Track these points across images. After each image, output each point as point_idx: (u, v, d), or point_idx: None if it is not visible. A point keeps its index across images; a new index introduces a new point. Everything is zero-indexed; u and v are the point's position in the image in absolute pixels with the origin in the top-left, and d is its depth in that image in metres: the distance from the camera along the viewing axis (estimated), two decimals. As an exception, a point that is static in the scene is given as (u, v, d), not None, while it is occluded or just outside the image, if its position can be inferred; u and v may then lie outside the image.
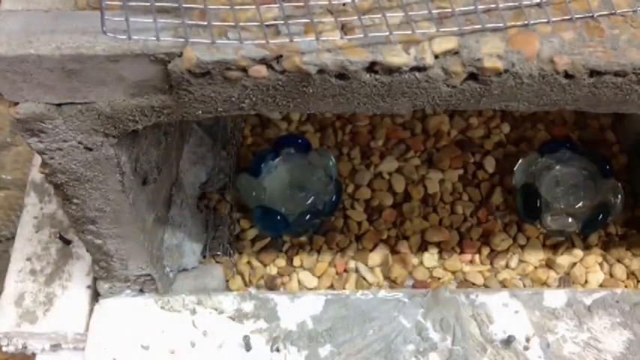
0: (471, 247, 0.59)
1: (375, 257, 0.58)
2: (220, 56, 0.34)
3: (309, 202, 0.58)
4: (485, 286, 0.56)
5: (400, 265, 0.58)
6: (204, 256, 0.57)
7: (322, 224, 0.59)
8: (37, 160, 0.53)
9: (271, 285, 0.57)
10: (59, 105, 0.37)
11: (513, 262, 0.58)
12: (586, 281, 0.57)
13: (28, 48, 0.34)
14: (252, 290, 0.54)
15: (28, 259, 0.55)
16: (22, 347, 0.53)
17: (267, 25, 0.35)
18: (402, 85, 0.34)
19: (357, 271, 0.58)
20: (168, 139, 0.52)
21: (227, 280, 0.56)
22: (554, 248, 0.59)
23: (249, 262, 0.58)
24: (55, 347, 0.53)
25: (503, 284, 0.56)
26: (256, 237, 0.59)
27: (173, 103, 0.36)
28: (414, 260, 0.58)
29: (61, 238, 0.55)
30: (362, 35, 0.34)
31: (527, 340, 0.50)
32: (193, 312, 0.52)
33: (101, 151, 0.39)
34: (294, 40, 0.34)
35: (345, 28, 0.35)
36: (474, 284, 0.56)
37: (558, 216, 0.58)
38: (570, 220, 0.58)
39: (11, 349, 0.53)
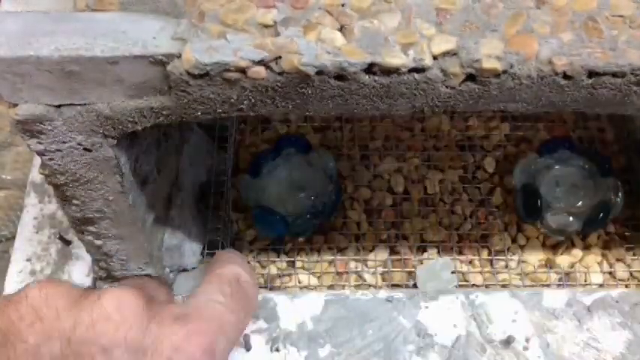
0: (470, 247, 0.59)
1: (375, 257, 0.58)
2: (219, 57, 0.34)
3: (309, 202, 0.58)
4: (485, 286, 0.56)
5: (400, 265, 0.58)
6: (203, 257, 0.57)
7: (322, 224, 0.59)
8: (37, 160, 0.53)
9: (271, 285, 0.57)
10: (58, 106, 0.37)
11: (513, 263, 0.58)
12: (586, 281, 0.57)
13: (28, 49, 0.34)
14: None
15: (28, 260, 0.55)
16: (22, 347, 0.53)
17: (266, 27, 0.35)
18: (400, 86, 0.34)
19: (357, 271, 0.58)
20: (168, 139, 0.52)
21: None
22: (554, 248, 0.59)
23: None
24: (55, 347, 0.53)
25: (503, 284, 0.56)
26: (256, 237, 0.59)
27: (172, 105, 0.36)
28: (414, 260, 0.58)
29: (61, 238, 0.56)
30: (361, 36, 0.34)
31: (527, 340, 0.50)
32: (193, 312, 0.52)
33: (100, 152, 0.39)
34: (293, 41, 0.34)
35: (344, 30, 0.35)
36: (473, 284, 0.56)
37: (558, 216, 0.58)
38: (571, 219, 0.57)
39: (11, 349, 0.53)
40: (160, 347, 0.38)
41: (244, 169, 0.62)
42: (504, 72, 0.34)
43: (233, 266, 0.47)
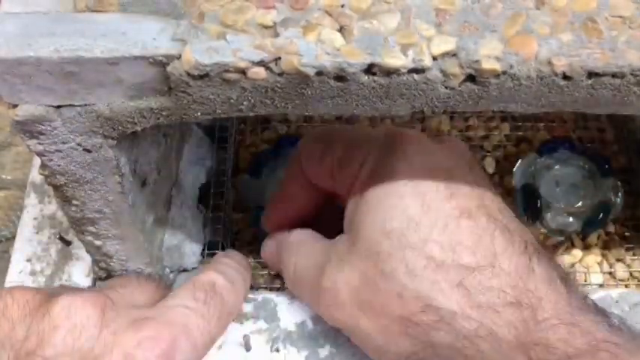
0: (470, 247, 0.58)
1: (375, 257, 0.58)
2: (219, 58, 0.34)
3: (309, 202, 0.58)
4: (485, 286, 0.56)
5: (400, 265, 0.57)
6: (204, 257, 0.57)
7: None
8: (37, 160, 0.53)
9: (271, 285, 0.57)
10: (58, 107, 0.37)
11: (513, 263, 0.57)
12: (586, 281, 0.57)
13: (28, 50, 0.34)
14: (252, 290, 0.54)
15: (28, 260, 0.55)
16: (22, 348, 0.53)
17: (266, 27, 0.35)
18: (400, 86, 0.34)
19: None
20: (168, 140, 0.52)
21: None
22: (554, 248, 0.59)
23: (248, 264, 0.58)
24: (56, 348, 0.53)
25: (503, 284, 0.56)
26: (256, 237, 0.59)
27: (172, 105, 0.36)
28: (414, 260, 0.58)
29: (61, 239, 0.56)
30: (360, 37, 0.34)
31: (527, 340, 0.50)
32: (193, 312, 0.52)
33: (100, 152, 0.39)
34: (293, 42, 0.34)
35: (343, 30, 0.35)
36: (473, 284, 0.56)
37: (559, 216, 0.58)
38: (571, 219, 0.58)
39: (12, 349, 0.53)
40: (109, 356, 0.37)
41: (244, 169, 0.62)
42: (504, 72, 0.34)
43: (211, 272, 0.47)
